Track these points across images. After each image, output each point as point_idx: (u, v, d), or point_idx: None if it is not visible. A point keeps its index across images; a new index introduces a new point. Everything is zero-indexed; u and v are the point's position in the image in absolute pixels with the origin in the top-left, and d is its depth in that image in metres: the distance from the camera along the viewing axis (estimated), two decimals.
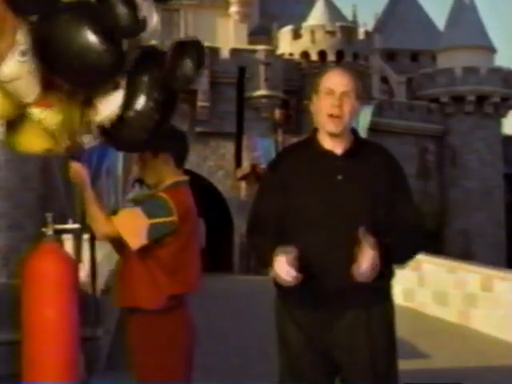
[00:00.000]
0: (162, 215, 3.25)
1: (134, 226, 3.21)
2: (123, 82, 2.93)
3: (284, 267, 2.83)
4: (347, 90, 2.99)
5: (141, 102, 2.98)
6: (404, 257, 3.07)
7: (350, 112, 2.99)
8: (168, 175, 3.43)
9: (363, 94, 3.12)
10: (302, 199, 2.98)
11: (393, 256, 2.94)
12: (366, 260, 2.82)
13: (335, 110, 2.97)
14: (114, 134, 3.03)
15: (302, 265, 2.95)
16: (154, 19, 2.90)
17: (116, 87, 2.93)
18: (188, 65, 2.98)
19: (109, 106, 2.94)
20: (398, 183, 3.06)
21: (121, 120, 2.97)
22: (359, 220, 2.92)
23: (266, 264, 2.94)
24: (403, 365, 3.15)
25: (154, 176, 3.44)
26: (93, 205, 3.27)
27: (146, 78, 2.97)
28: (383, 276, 2.99)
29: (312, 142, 3.08)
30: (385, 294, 3.03)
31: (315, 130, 3.09)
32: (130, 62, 2.90)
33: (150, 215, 3.23)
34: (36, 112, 2.91)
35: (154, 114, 3.00)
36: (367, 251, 2.82)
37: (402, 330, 3.09)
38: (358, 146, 3.06)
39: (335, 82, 2.99)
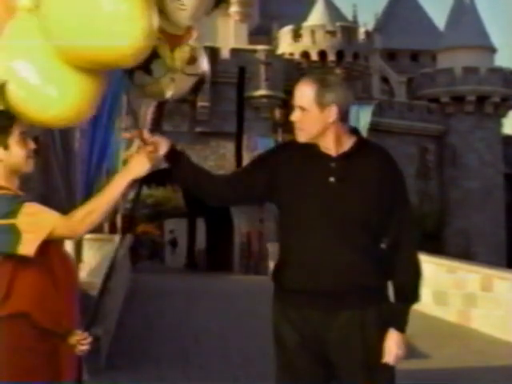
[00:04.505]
0: None
1: None
2: None
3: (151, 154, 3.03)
4: (303, 105, 3.00)
5: None
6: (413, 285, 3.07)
7: (310, 123, 3.00)
8: None
9: (340, 97, 3.03)
10: (297, 200, 3.00)
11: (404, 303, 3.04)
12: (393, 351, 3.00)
13: (296, 123, 3.04)
14: None
15: (297, 266, 2.98)
16: None
17: None
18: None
19: None
20: (396, 188, 3.06)
21: None
22: (353, 221, 2.94)
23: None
24: (402, 365, 3.15)
25: None
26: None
27: None
28: (379, 276, 3.00)
29: (308, 142, 3.09)
30: (380, 294, 3.03)
31: None
32: None
33: None
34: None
35: None
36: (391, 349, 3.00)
37: None
38: (356, 148, 3.05)
39: (295, 95, 3.04)
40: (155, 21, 2.67)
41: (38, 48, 2.76)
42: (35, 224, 2.82)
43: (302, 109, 3.01)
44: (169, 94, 3.14)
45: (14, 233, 2.80)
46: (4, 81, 2.77)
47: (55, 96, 2.79)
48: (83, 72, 2.78)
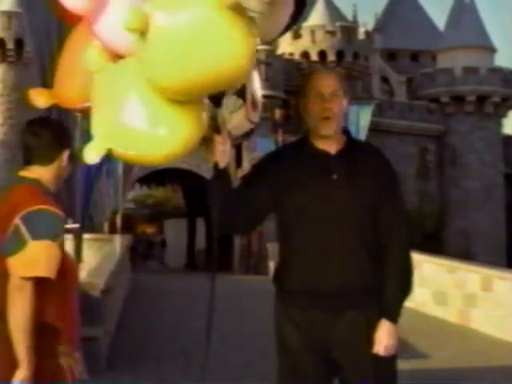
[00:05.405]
0: None
1: None
2: None
3: (221, 147, 2.88)
4: (335, 90, 2.99)
5: None
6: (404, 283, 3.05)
7: (340, 112, 3.00)
8: None
9: (349, 93, 3.11)
10: (299, 199, 2.99)
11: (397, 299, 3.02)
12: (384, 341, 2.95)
13: (326, 112, 2.98)
14: None
15: (298, 266, 2.97)
16: None
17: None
18: None
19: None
20: (389, 185, 3.06)
21: None
22: (355, 219, 2.94)
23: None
24: (403, 365, 3.16)
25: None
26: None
27: None
28: (380, 275, 3.00)
29: (305, 142, 3.09)
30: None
31: (307, 132, 3.10)
32: None
33: None
34: None
35: None
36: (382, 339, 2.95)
37: (401, 330, 3.10)
38: (350, 146, 3.06)
39: (323, 84, 3.00)
40: (255, 40, 2.60)
41: (136, 97, 2.68)
42: (37, 260, 2.78)
43: (334, 95, 2.99)
44: (230, 125, 3.01)
45: (21, 244, 2.78)
46: (107, 151, 2.69)
47: (165, 141, 2.69)
48: (186, 108, 2.69)
